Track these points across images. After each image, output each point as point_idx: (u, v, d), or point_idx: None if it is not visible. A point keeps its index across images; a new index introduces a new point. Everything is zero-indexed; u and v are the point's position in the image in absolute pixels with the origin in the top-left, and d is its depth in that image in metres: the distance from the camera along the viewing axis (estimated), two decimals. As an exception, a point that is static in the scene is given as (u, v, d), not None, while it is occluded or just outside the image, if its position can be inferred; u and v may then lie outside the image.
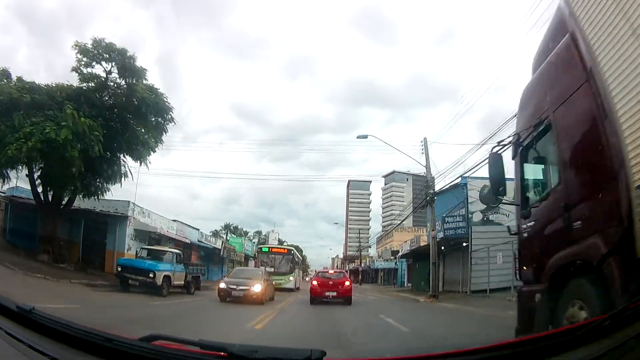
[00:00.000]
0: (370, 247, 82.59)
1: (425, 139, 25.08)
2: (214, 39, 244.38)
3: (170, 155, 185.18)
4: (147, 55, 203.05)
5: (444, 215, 24.94)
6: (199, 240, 36.98)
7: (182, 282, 19.25)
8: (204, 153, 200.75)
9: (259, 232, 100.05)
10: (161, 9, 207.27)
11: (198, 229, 38.17)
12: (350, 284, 18.71)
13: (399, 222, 53.32)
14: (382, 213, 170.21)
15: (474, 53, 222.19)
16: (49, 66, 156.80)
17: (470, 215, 24.33)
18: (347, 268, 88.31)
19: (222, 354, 1.67)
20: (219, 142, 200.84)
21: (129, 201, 25.96)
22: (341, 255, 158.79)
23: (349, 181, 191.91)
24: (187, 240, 32.22)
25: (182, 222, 35.07)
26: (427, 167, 23.79)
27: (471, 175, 22.60)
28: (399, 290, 38.72)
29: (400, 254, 43.73)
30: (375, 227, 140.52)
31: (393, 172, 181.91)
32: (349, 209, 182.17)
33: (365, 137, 27.37)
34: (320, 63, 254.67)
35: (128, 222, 25.12)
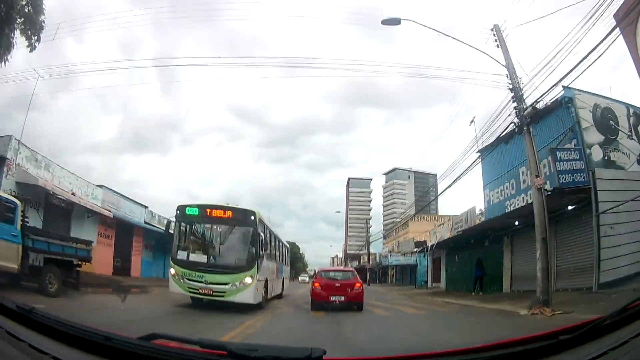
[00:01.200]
0: (381, 239, 73.34)
1: (496, 26, 14.01)
2: (211, 39, 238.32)
3: (169, 156, 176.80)
4: (144, 55, 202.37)
5: (554, 147, 13.52)
6: (146, 222, 25.87)
7: (15, 267, 10.00)
8: (202, 153, 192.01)
9: None
10: (159, 9, 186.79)
11: (146, 207, 26.29)
12: (361, 285, 14.34)
13: (413, 212, 51.38)
14: (384, 212, 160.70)
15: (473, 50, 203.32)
16: (45, 64, 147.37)
17: (588, 151, 12.81)
18: (349, 267, 76.49)
19: (222, 352, 1.65)
20: (217, 143, 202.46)
21: (9, 136, 16.25)
22: (341, 255, 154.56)
23: (348, 179, 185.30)
24: (124, 217, 23.36)
25: (116, 192, 23.24)
26: (509, 64, 12.25)
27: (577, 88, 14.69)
28: (429, 292, 27.91)
29: (433, 242, 31.69)
30: (376, 227, 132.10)
31: (394, 170, 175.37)
32: (349, 207, 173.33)
33: (398, 22, 13.88)
34: (317, 62, 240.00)
35: (5, 169, 15.45)
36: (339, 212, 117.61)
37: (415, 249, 38.93)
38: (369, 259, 61.17)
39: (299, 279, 72.21)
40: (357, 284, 14.07)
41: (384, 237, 73.06)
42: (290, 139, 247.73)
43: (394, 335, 8.88)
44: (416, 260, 40.92)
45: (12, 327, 1.74)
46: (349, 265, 79.15)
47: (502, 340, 1.70)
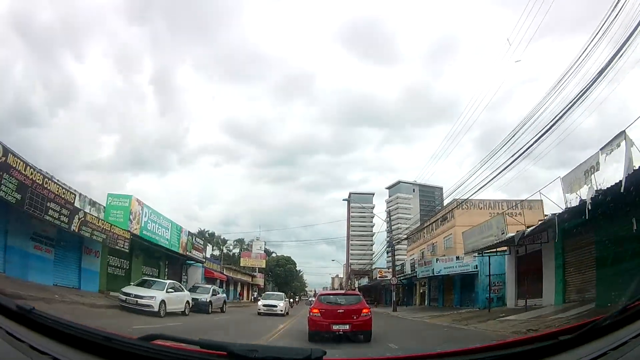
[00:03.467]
0: (406, 239, 59.97)
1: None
2: (208, 59, 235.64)
3: (167, 176, 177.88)
4: (143, 73, 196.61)
5: None
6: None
7: None
8: (201, 174, 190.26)
9: (240, 241, 79.82)
10: (156, 27, 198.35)
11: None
12: (369, 311, 12.51)
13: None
14: (387, 227, 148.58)
15: (471, 69, 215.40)
16: (45, 82, 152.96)
17: None
18: (354, 286, 66.54)
19: (222, 353, 1.68)
20: (215, 164, 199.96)
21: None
22: (342, 275, 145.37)
23: (349, 194, 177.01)
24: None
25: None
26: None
27: None
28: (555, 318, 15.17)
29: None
30: (376, 247, 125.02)
31: (398, 183, 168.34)
32: (351, 223, 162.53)
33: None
34: (315, 82, 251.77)
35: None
36: (334, 260, 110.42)
37: (502, 234, 21.13)
38: (394, 269, 40.49)
39: (296, 299, 62.51)
40: (365, 310, 12.38)
41: (406, 240, 58.10)
42: (289, 160, 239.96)
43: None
44: (476, 267, 28.39)
45: (12, 328, 1.73)
46: (354, 284, 68.99)
47: (503, 341, 1.72)
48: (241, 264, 67.08)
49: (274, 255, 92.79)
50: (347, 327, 11.64)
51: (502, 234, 20.96)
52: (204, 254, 38.04)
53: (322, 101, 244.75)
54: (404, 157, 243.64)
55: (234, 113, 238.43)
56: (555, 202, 17.41)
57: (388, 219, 42.48)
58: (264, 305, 26.49)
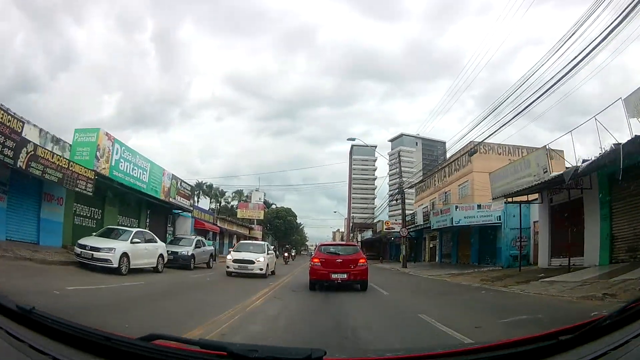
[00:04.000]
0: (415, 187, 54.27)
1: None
2: (210, 13, 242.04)
3: (169, 131, 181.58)
4: (144, 31, 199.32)
5: None
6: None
7: None
8: (202, 127, 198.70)
9: (239, 192, 79.65)
10: None
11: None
12: (366, 261, 13.64)
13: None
14: (390, 181, 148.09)
15: (475, 26, 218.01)
16: (46, 49, 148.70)
17: None
18: (357, 239, 63.75)
19: (222, 353, 1.66)
20: (217, 117, 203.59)
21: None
22: (343, 229, 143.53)
23: (351, 146, 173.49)
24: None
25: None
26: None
27: None
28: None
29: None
30: (378, 202, 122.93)
31: (401, 136, 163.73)
32: (352, 176, 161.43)
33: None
34: (318, 35, 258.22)
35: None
36: (336, 212, 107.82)
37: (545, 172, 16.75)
38: (404, 220, 34.70)
39: (293, 253, 59.20)
40: (361, 260, 13.36)
41: (413, 190, 49.75)
42: (291, 112, 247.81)
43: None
44: (499, 218, 24.73)
45: (12, 327, 1.75)
46: (357, 238, 66.30)
47: (503, 341, 1.71)
48: (238, 216, 63.86)
49: (273, 207, 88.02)
50: (345, 276, 12.58)
51: (545, 172, 16.87)
52: (191, 201, 32.90)
53: (324, 54, 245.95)
54: (406, 111, 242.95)
55: (236, 66, 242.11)
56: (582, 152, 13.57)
57: (398, 162, 38.02)
58: (235, 261, 18.17)
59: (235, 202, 76.30)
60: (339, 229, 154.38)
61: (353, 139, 32.99)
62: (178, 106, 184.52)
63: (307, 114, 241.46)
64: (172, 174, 28.10)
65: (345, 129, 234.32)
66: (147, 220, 27.51)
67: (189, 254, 21.47)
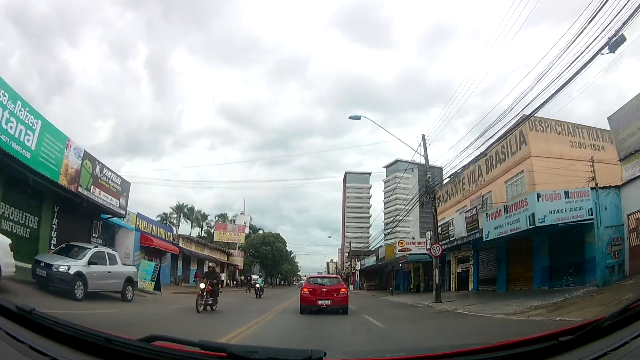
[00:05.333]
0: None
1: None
2: (203, 43, 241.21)
3: (161, 160, 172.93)
4: (137, 59, 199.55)
5: None
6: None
7: None
8: (195, 157, 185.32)
9: (222, 215, 74.30)
10: (151, 13, 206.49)
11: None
12: (346, 290, 16.39)
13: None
14: (385, 208, 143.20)
15: (465, 55, 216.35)
16: (41, 71, 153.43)
17: None
18: (356, 268, 55.90)
19: (222, 354, 1.68)
20: (210, 147, 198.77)
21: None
22: (336, 259, 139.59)
23: (345, 173, 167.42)
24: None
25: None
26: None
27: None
28: None
29: None
30: (373, 231, 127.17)
31: (396, 162, 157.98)
32: (347, 204, 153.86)
33: (358, 117, 24.33)
34: (310, 65, 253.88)
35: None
36: (330, 237, 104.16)
37: None
38: (437, 233, 23.80)
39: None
40: (342, 289, 15.81)
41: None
42: (283, 142, 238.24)
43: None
44: (591, 212, 16.16)
45: (12, 328, 1.74)
46: (357, 266, 58.12)
47: (503, 342, 1.71)
48: (215, 239, 53.95)
49: (261, 232, 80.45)
50: (329, 302, 14.96)
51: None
52: (120, 201, 22.03)
53: (316, 84, 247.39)
54: (399, 140, 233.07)
55: (228, 96, 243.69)
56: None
57: (424, 148, 26.38)
58: None
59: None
60: (332, 259, 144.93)
61: (358, 117, 23.42)
62: (171, 134, 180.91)
63: (300, 144, 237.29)
64: (85, 151, 18.23)
65: (338, 160, 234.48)
66: (54, 222, 17.75)
67: (71, 271, 11.88)
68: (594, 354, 1.46)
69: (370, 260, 56.15)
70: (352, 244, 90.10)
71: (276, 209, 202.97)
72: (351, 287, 59.65)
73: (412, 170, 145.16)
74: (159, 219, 54.27)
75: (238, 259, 56.92)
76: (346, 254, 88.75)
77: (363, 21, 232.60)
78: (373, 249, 60.34)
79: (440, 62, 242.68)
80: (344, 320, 13.32)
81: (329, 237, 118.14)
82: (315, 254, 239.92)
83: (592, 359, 1.45)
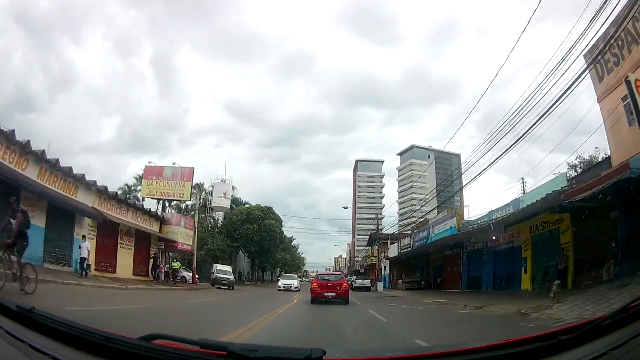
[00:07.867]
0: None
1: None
2: (208, 39, 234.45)
3: (168, 157, 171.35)
4: (142, 56, 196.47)
5: None
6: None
7: None
8: (202, 154, 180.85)
9: (198, 185, 51.38)
10: (155, 10, 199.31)
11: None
12: (347, 284, 21.46)
13: None
14: (399, 198, 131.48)
15: (472, 51, 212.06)
16: (45, 68, 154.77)
17: None
18: (384, 256, 42.08)
19: (222, 353, 1.67)
20: (216, 144, 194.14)
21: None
22: (345, 255, 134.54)
23: (356, 161, 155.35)
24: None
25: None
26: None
27: None
28: None
29: None
30: (386, 221, 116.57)
31: (412, 148, 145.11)
32: (357, 194, 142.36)
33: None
34: (315, 62, 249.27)
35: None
36: (347, 207, 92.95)
37: None
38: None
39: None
40: (344, 284, 20.38)
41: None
42: (290, 140, 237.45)
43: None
44: None
45: (12, 327, 1.74)
46: (389, 254, 44.15)
47: (502, 341, 1.73)
48: (142, 193, 38.00)
49: (247, 206, 60.30)
50: (334, 294, 18.96)
51: None
52: None
53: (322, 81, 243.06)
54: (406, 137, 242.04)
55: (234, 93, 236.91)
56: None
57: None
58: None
59: (193, 202, 46.94)
60: (341, 255, 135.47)
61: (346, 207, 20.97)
62: (177, 132, 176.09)
63: (307, 141, 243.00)
64: None
65: (345, 156, 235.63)
66: None
67: None
68: (594, 353, 1.48)
69: (403, 244, 38.89)
70: (358, 241, 78.19)
71: (284, 206, 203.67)
72: (379, 284, 43.74)
73: (429, 157, 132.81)
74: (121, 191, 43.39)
75: (181, 231, 33.42)
76: (365, 239, 74.20)
77: (369, 17, 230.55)
78: (409, 231, 43.85)
79: (446, 58, 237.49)
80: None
81: (345, 207, 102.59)
82: (327, 247, 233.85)
83: (591, 358, 1.47)
